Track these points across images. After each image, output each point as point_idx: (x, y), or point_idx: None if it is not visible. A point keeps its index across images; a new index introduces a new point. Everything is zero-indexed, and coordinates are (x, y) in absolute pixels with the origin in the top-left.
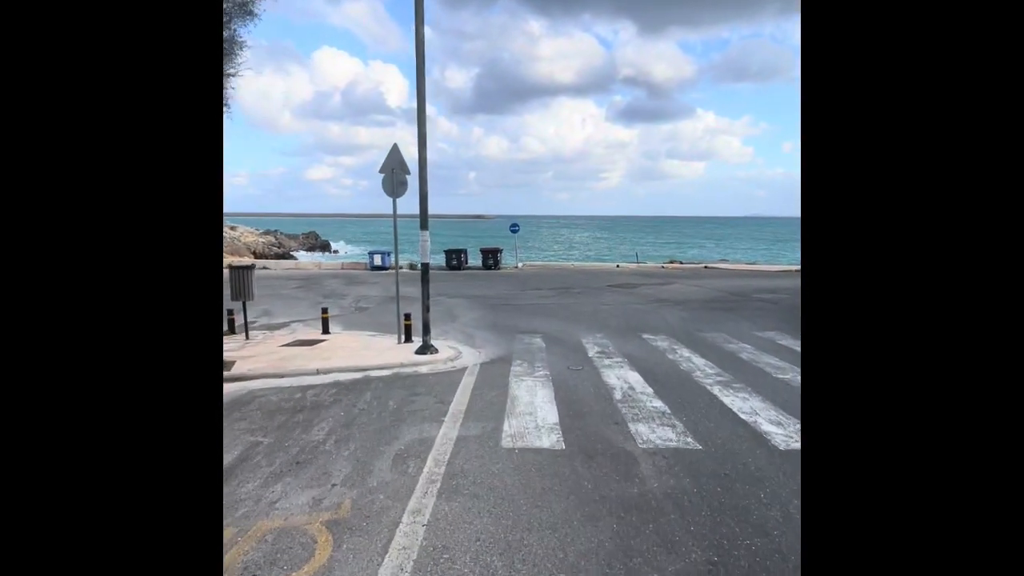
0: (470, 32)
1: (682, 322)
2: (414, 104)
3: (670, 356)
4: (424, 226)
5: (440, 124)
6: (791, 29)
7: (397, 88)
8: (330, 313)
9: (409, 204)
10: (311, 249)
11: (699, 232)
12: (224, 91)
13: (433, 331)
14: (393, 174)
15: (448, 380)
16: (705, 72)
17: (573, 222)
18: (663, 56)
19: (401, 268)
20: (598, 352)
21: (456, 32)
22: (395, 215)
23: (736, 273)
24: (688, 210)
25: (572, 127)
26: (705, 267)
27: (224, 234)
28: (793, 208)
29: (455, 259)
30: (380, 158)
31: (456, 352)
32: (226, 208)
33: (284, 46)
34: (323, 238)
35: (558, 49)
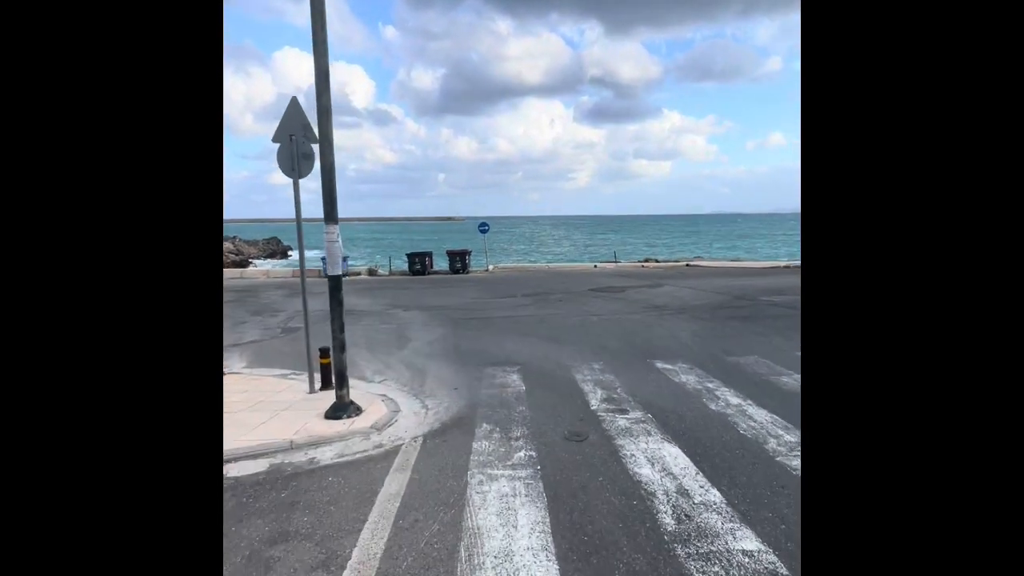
0: (436, 32)
1: (697, 339)
2: (381, 105)
3: (710, 404)
4: (332, 218)
5: (407, 126)
6: (751, 29)
7: (363, 89)
8: (247, 338)
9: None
10: (271, 255)
11: (669, 230)
12: None
13: (373, 364)
14: (293, 144)
15: (361, 484)
16: (670, 72)
17: (544, 222)
18: (630, 56)
19: (358, 274)
20: (604, 399)
21: (422, 32)
22: (297, 199)
23: (723, 271)
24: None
25: (541, 127)
26: (687, 265)
27: None
28: (757, 204)
29: (419, 263)
30: (347, 161)
31: (390, 411)
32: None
33: (244, 46)
34: (284, 244)
35: (526, 49)
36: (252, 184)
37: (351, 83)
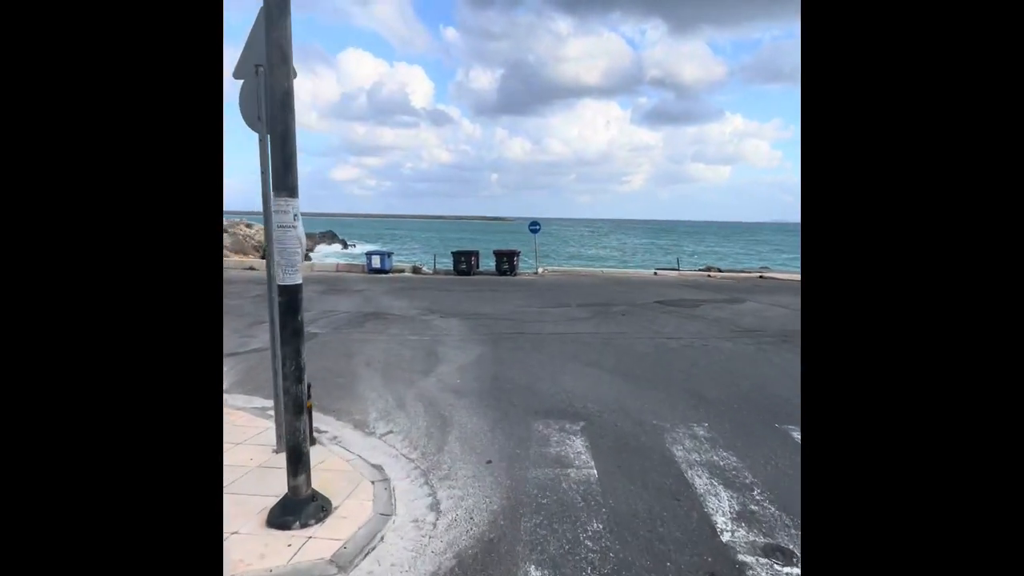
0: (496, 32)
1: None
2: (439, 105)
3: None
4: (286, 188)
5: (463, 126)
6: None
7: (422, 89)
8: (253, 344)
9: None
10: (330, 240)
11: (731, 237)
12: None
13: (382, 400)
14: (261, 78)
15: None
16: (736, 73)
17: (595, 225)
18: (693, 56)
19: (402, 272)
20: (736, 513)
21: (482, 32)
22: (265, 161)
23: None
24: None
25: (596, 129)
26: (761, 277)
27: (239, 232)
28: None
29: (464, 263)
30: (404, 159)
31: (376, 513)
32: (252, 206)
33: (312, 47)
34: (341, 236)
35: (585, 49)
36: (314, 179)
37: (411, 83)
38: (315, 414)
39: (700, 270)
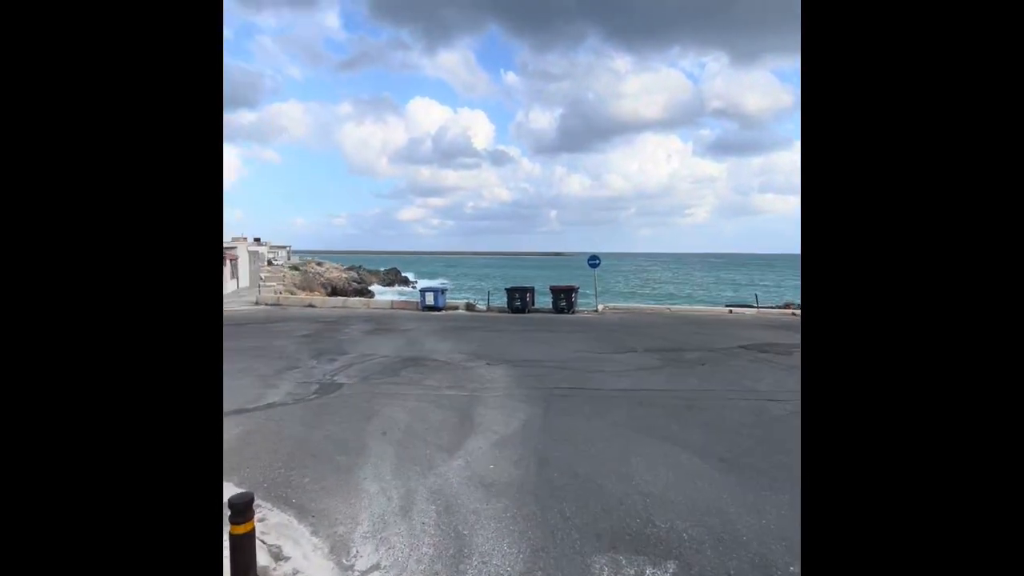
0: (556, 74)
1: None
2: (500, 146)
3: None
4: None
5: (523, 164)
6: None
7: (484, 131)
8: (266, 399)
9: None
10: (390, 284)
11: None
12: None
13: (381, 498)
14: None
15: None
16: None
17: (657, 259)
18: (756, 85)
19: (456, 309)
20: None
21: (542, 74)
22: None
23: None
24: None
25: (656, 162)
26: None
27: (309, 270)
28: None
29: (519, 299)
30: (466, 198)
31: None
32: (326, 246)
33: (383, 99)
34: (403, 274)
35: (643, 85)
36: (382, 220)
37: (473, 126)
38: (289, 517)
39: (779, 306)
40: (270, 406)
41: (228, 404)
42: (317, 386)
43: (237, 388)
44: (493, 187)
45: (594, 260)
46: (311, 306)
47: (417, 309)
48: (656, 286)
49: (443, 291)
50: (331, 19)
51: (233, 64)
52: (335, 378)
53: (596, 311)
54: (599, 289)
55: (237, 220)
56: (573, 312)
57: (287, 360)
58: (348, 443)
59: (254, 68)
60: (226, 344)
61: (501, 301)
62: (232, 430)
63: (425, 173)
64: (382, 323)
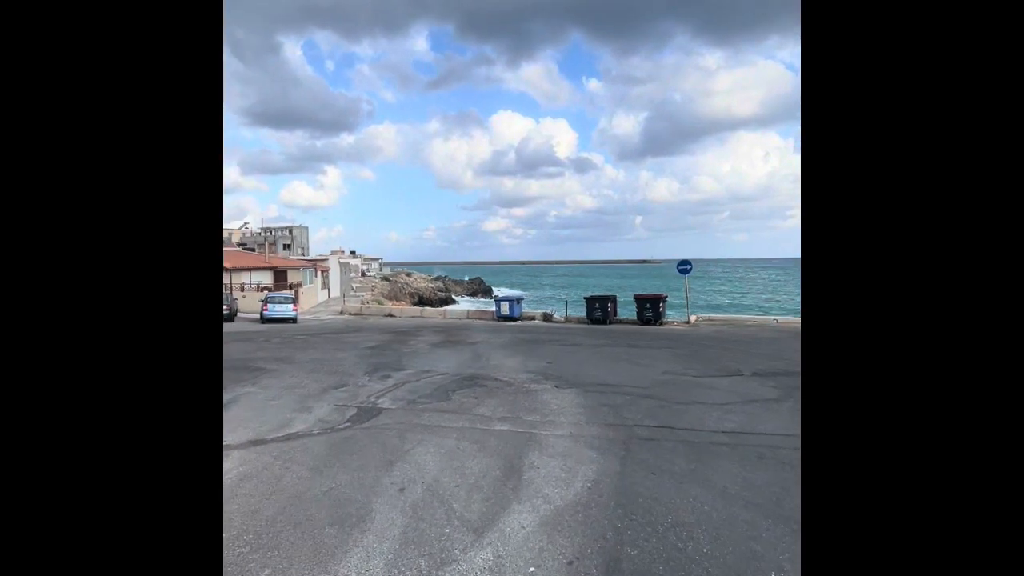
0: (640, 77)
1: None
2: (583, 154)
3: None
4: None
5: (606, 171)
6: None
7: (566, 140)
8: (296, 425)
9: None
10: (474, 294)
11: None
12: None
13: None
14: None
15: None
16: None
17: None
18: None
19: (532, 319)
20: None
21: (625, 79)
22: None
23: None
24: None
25: (752, 162)
26: None
27: (399, 280)
28: None
29: (599, 309)
30: (548, 207)
31: None
32: (416, 258)
33: (469, 114)
34: (486, 283)
35: (736, 81)
36: (467, 232)
37: (556, 135)
38: None
39: None
40: (290, 437)
41: (249, 431)
42: (355, 411)
43: (271, 410)
44: (576, 195)
45: (684, 265)
46: (390, 315)
47: (492, 319)
48: (757, 295)
49: (519, 300)
50: (420, 43)
51: (337, 92)
52: (378, 401)
53: (687, 322)
54: (691, 298)
55: (337, 235)
56: (660, 323)
57: (339, 376)
58: (351, 504)
59: (353, 95)
60: (286, 355)
61: (581, 311)
62: (228, 473)
63: (508, 184)
64: (453, 334)
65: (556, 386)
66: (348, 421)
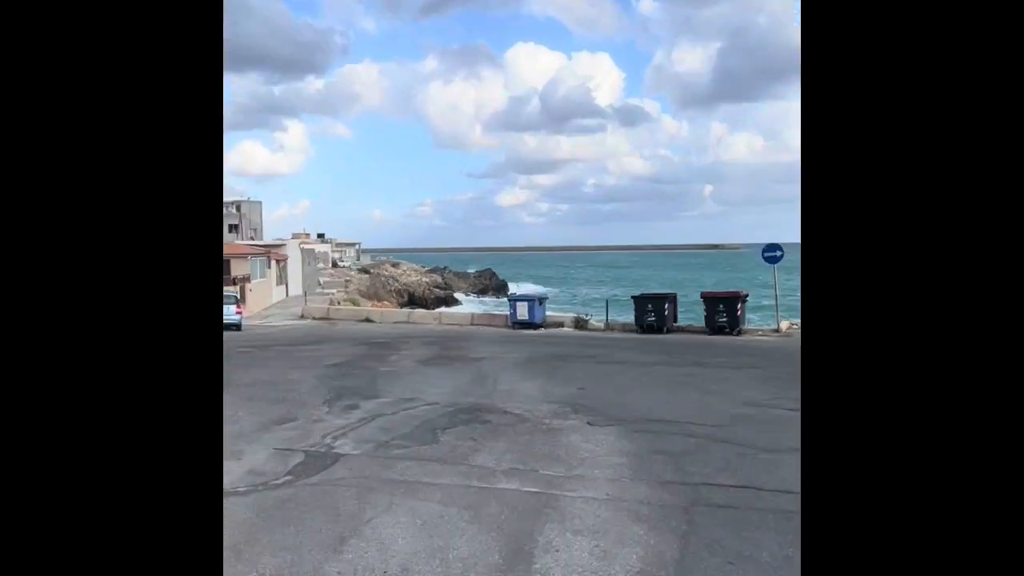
0: None
1: None
2: (631, 100)
3: None
4: None
5: (664, 124)
6: None
7: (609, 82)
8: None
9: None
10: (482, 292)
11: None
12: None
13: None
14: None
15: None
16: None
17: None
18: None
19: (560, 326)
20: None
21: None
22: None
23: None
24: None
25: None
26: None
27: (382, 272)
28: None
29: (652, 313)
30: (584, 174)
31: None
32: (408, 243)
33: (476, 47)
34: (500, 277)
35: None
36: (476, 207)
37: (595, 76)
38: None
39: None
40: None
41: None
42: (301, 458)
43: None
44: (622, 156)
45: (773, 251)
46: (368, 320)
47: (505, 326)
48: None
49: (541, 301)
50: None
51: (301, 22)
52: (336, 444)
53: (777, 331)
54: (782, 297)
55: (302, 212)
56: (739, 332)
57: (287, 407)
58: None
59: (322, 25)
60: (225, 375)
61: (628, 315)
62: None
63: (530, 143)
64: (450, 346)
65: (589, 422)
66: (290, 474)
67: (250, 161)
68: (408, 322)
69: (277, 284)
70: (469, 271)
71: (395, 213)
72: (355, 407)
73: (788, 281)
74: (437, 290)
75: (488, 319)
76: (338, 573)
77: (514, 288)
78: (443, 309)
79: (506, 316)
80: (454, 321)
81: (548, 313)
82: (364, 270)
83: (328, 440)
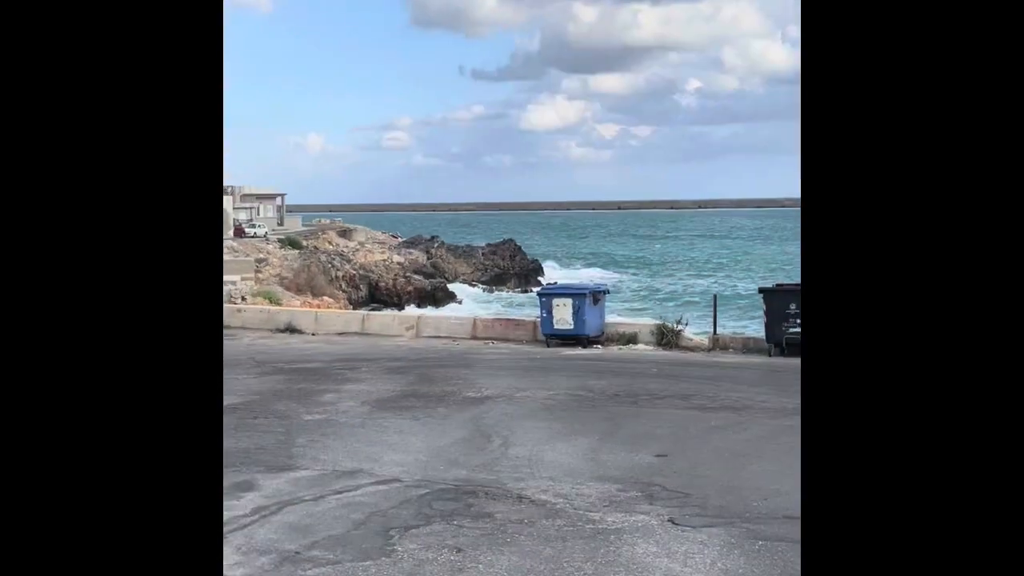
0: None
1: None
2: None
3: None
4: None
5: None
6: None
7: None
8: None
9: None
10: (497, 281)
11: None
12: None
13: None
14: None
15: None
16: None
17: None
18: None
19: (631, 345)
20: None
21: None
22: None
23: None
24: None
25: None
26: None
27: (322, 247)
28: None
29: (794, 318)
30: (680, 74)
31: None
32: (365, 196)
33: None
34: (530, 255)
35: None
36: (489, 131)
37: None
38: None
39: None
40: None
41: None
42: None
43: None
44: (750, 40)
45: None
46: (292, 331)
47: (533, 339)
48: None
49: (595, 296)
50: None
51: None
52: None
53: None
54: None
55: None
56: None
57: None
58: None
59: None
60: None
61: (753, 323)
62: None
63: (585, 16)
64: (431, 376)
65: (673, 520)
66: None
67: None
68: (363, 333)
69: None
70: (475, 245)
71: (346, 143)
72: (249, 487)
73: None
74: (418, 277)
75: (503, 328)
76: None
77: (552, 274)
78: (426, 311)
79: (534, 323)
80: (444, 331)
81: (610, 319)
82: (291, 242)
83: None
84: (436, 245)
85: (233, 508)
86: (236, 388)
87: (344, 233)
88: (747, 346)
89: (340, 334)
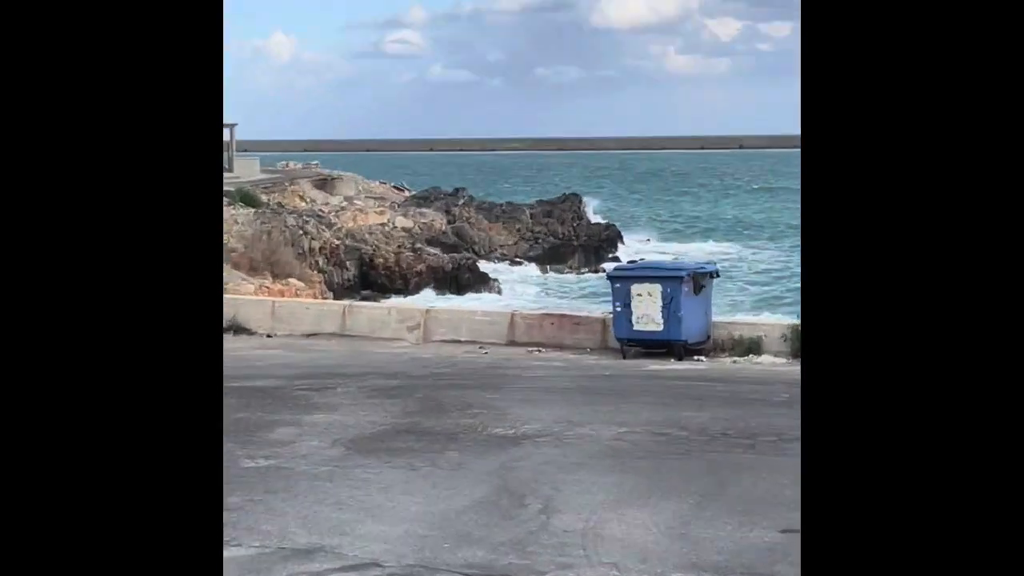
0: None
1: None
2: None
3: None
4: None
5: None
6: None
7: None
8: None
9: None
10: (550, 257)
11: None
12: None
13: None
14: None
15: None
16: None
17: None
18: None
19: (754, 349)
20: None
21: None
22: None
23: None
24: None
25: None
26: None
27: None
28: None
29: None
30: None
31: None
32: (351, 131)
33: None
34: (602, 218)
35: None
36: (547, 29)
37: None
38: None
39: None
40: None
41: None
42: None
43: None
44: None
45: None
46: (241, 330)
47: (599, 346)
48: None
49: (697, 281)
50: None
51: None
52: None
53: None
54: None
55: None
56: None
57: None
58: None
59: None
60: None
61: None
62: None
63: None
64: (441, 400)
65: None
66: None
67: None
68: (344, 333)
69: None
70: (520, 203)
71: (329, 47)
72: None
73: None
74: (434, 251)
75: (556, 328)
76: None
77: (636, 247)
78: (443, 301)
79: (603, 321)
80: (466, 333)
81: (721, 316)
82: (244, 196)
83: None
84: (462, 202)
85: None
86: None
87: (323, 184)
88: None
89: (310, 335)
